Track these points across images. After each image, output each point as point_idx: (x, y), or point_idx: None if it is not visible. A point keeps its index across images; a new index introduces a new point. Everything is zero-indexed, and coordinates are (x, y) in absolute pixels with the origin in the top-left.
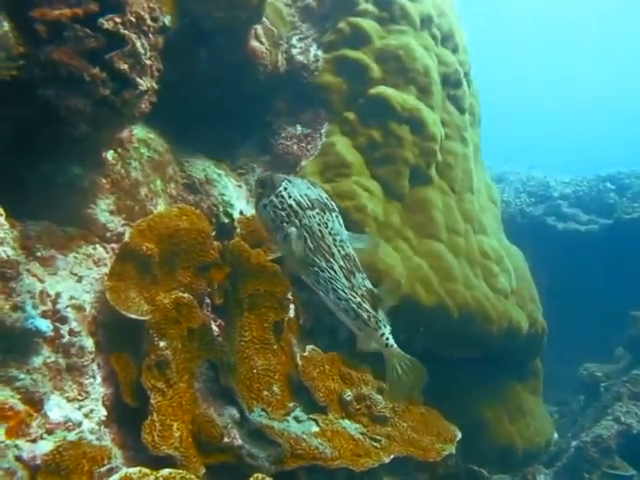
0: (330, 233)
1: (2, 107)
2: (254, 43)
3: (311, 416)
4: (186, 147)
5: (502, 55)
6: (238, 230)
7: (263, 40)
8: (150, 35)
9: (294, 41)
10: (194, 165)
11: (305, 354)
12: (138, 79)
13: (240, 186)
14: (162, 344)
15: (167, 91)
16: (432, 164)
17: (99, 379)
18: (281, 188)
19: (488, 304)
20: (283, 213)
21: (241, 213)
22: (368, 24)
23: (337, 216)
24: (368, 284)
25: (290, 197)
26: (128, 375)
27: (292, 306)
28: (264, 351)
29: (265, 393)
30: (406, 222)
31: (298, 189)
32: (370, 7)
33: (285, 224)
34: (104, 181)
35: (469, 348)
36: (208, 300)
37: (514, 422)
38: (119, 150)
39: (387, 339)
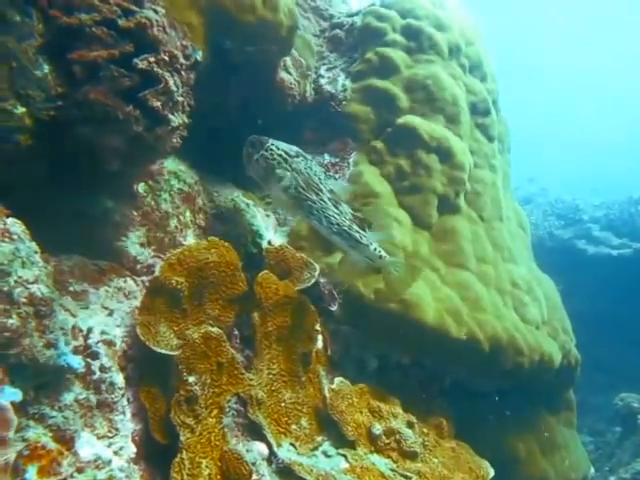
0: (315, 174)
1: (38, 144)
2: (283, 74)
3: (340, 451)
4: (215, 177)
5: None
6: (266, 260)
7: (292, 71)
8: (182, 72)
9: (322, 71)
10: (223, 195)
11: (333, 386)
12: (170, 115)
13: (268, 215)
14: (191, 379)
15: (197, 122)
16: (461, 193)
17: (129, 415)
18: (269, 144)
19: (519, 336)
20: (274, 162)
21: (269, 243)
22: (396, 54)
23: (317, 164)
24: (351, 211)
25: (278, 149)
26: (157, 410)
27: (320, 337)
28: (292, 384)
29: (293, 427)
30: (435, 252)
31: (283, 144)
32: (398, 37)
33: (277, 170)
34: (135, 213)
35: (499, 381)
36: (236, 332)
37: (548, 456)
38: (150, 182)
39: (379, 252)
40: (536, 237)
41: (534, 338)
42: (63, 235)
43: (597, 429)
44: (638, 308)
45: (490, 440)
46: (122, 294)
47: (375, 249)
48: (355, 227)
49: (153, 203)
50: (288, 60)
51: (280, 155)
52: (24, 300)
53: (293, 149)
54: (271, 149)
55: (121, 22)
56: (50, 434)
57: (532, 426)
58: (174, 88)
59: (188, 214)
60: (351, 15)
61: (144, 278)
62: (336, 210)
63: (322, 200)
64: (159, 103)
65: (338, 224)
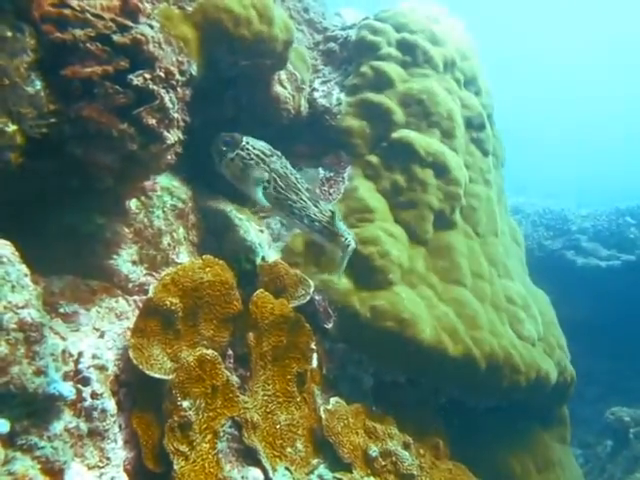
0: (292, 173)
1: (29, 162)
2: (278, 88)
3: (336, 475)
4: (208, 192)
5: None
6: (260, 277)
7: (286, 85)
8: (178, 89)
9: (316, 84)
10: (216, 211)
11: (329, 407)
12: (166, 133)
13: (262, 231)
14: (185, 404)
15: (190, 136)
16: (456, 208)
17: (120, 442)
18: (244, 142)
19: (516, 353)
20: (252, 162)
21: (263, 259)
22: (391, 68)
23: (287, 161)
24: (330, 207)
25: (255, 148)
26: (150, 437)
27: (315, 355)
28: (287, 404)
29: (289, 450)
30: (431, 268)
31: (258, 142)
32: (393, 51)
33: (256, 171)
34: (127, 230)
35: (496, 398)
36: (230, 351)
37: (543, 475)
38: (142, 199)
39: (349, 242)
40: (525, 247)
41: (530, 355)
42: (53, 253)
43: (586, 441)
44: (628, 319)
45: (485, 458)
46: (114, 314)
47: (346, 239)
48: (332, 221)
49: (146, 220)
50: (283, 74)
51: (257, 155)
52: (13, 326)
53: (266, 147)
54: (247, 148)
55: (116, 38)
56: (39, 466)
57: (527, 443)
58: (170, 105)
59: (181, 231)
60: (345, 28)
61: (136, 297)
62: (316, 209)
63: (302, 200)
64: (154, 120)
65: (319, 221)
